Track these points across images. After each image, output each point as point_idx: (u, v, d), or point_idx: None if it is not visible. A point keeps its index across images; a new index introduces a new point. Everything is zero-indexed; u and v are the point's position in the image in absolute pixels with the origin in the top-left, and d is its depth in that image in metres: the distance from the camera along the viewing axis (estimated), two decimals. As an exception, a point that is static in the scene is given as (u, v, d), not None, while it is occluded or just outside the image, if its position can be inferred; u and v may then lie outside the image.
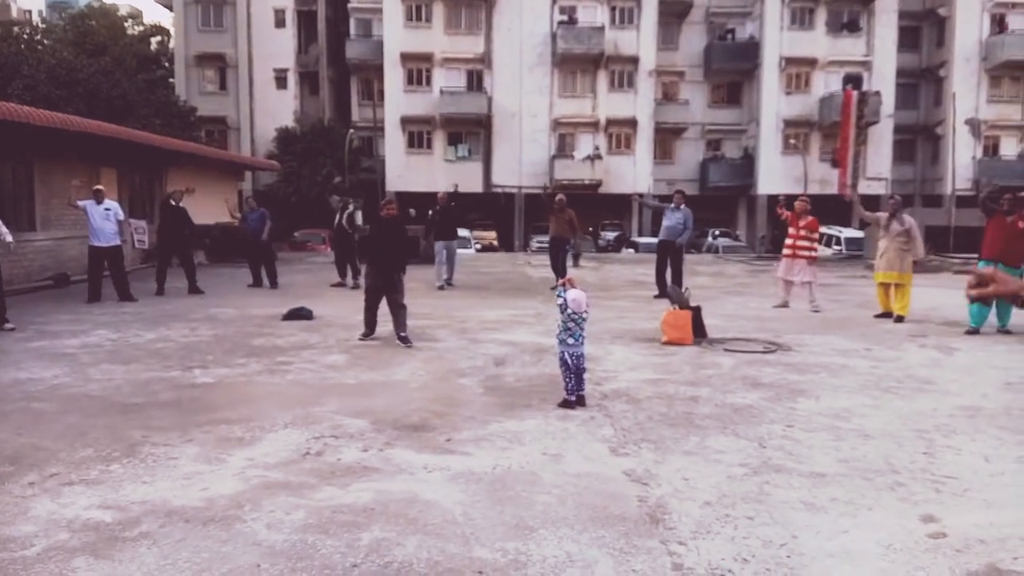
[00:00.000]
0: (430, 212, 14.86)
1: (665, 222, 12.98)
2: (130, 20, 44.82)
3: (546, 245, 15.69)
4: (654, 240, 25.99)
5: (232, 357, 7.78)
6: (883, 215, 11.04)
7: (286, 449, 4.87)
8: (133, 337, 8.89)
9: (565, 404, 5.88)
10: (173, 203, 13.41)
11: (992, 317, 9.57)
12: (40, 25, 37.46)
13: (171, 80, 39.72)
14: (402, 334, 8.45)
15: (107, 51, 32.52)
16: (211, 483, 4.27)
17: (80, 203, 12.07)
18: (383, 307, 8.65)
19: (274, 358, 7.73)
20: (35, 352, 7.97)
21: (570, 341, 5.87)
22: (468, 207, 26.50)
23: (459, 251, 15.94)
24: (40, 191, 14.56)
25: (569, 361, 5.88)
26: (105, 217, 11.99)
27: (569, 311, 5.86)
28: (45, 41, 34.08)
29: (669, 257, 12.93)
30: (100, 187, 12.41)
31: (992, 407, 6.03)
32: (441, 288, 13.97)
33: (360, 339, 8.66)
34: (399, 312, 8.54)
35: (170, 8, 41.35)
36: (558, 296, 5.98)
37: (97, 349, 8.16)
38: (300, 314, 10.24)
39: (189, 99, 36.74)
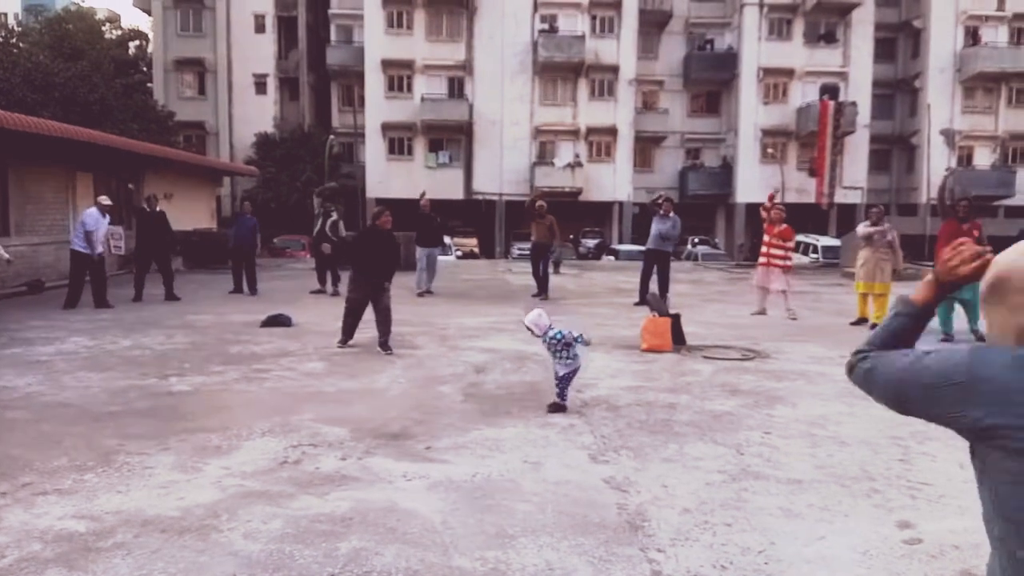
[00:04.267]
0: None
1: (654, 230, 12.75)
2: (108, 24, 44.31)
3: (527, 252, 15.66)
4: (635, 248, 25.80)
5: (209, 364, 7.71)
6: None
7: (263, 458, 4.83)
8: (109, 344, 8.79)
9: (556, 408, 5.95)
10: (147, 208, 13.32)
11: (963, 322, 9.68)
12: (16, 28, 36.92)
13: (149, 85, 39.32)
14: (383, 340, 8.42)
15: (84, 55, 32.05)
16: (187, 492, 4.23)
17: (89, 221, 11.83)
18: (367, 314, 8.62)
19: (252, 366, 7.67)
20: (8, 359, 7.85)
21: (578, 354, 5.94)
22: (448, 214, 26.53)
23: (439, 258, 15.90)
24: (15, 196, 14.36)
25: (579, 371, 6.03)
26: (104, 229, 12.03)
27: (548, 339, 5.92)
28: (21, 44, 33.64)
29: (657, 265, 12.78)
30: (108, 201, 12.34)
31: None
32: (421, 295, 13.94)
33: (338, 346, 8.62)
34: (385, 318, 8.50)
35: (148, 12, 41.04)
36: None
37: (72, 356, 8.05)
38: (279, 321, 10.18)
39: (167, 104, 36.38)
